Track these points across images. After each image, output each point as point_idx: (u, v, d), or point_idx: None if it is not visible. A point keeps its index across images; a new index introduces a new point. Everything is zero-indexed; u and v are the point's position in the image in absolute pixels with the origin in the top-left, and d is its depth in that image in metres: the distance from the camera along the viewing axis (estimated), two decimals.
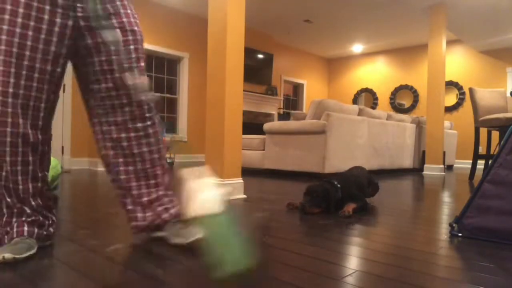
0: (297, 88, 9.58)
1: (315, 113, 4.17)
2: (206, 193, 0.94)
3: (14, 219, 1.17)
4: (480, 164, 7.14)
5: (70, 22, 1.16)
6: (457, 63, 8.03)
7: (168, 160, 5.08)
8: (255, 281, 0.97)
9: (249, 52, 7.33)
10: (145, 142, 1.28)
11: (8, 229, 1.16)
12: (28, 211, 1.18)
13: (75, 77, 1.31)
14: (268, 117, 8.02)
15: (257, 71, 7.70)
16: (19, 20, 1.08)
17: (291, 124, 4.18)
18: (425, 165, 5.36)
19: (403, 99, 8.83)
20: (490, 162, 1.80)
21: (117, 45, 1.20)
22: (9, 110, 1.09)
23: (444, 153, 5.35)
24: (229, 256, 0.87)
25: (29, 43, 1.09)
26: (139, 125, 1.26)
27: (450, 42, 7.95)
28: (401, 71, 8.84)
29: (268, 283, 0.95)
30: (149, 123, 1.28)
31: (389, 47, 8.79)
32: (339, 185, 2.03)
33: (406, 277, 1.01)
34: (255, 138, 4.62)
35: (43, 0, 1.10)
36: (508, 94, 6.63)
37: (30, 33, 1.09)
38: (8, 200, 1.16)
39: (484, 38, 7.14)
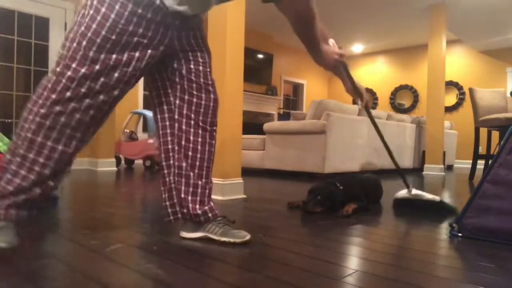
0: (297, 88, 9.58)
1: (315, 113, 4.17)
2: None
3: None
4: (480, 164, 7.12)
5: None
6: (457, 63, 8.03)
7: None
8: (255, 281, 0.97)
9: (249, 52, 7.33)
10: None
11: None
12: None
13: None
14: (268, 117, 8.02)
15: (257, 71, 7.70)
16: None
17: (291, 124, 4.18)
18: (425, 165, 5.36)
19: (403, 99, 8.83)
20: (490, 162, 1.80)
21: None
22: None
23: (444, 153, 5.35)
24: None
25: None
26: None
27: (450, 42, 7.94)
28: (401, 71, 8.84)
29: (268, 283, 0.95)
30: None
31: (389, 47, 8.78)
32: (341, 187, 2.03)
33: (406, 277, 1.01)
34: (255, 138, 4.62)
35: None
36: (508, 94, 6.63)
37: None
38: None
39: (484, 38, 7.14)
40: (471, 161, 7.62)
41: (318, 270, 1.06)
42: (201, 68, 1.38)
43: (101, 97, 1.16)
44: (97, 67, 1.12)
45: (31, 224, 1.55)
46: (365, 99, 1.90)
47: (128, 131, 5.19)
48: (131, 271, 1.02)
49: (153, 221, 1.67)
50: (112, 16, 1.10)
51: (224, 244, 1.30)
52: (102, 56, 1.11)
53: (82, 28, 1.11)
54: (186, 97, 1.36)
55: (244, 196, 2.50)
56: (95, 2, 1.11)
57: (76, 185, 3.00)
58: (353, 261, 1.15)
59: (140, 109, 6.15)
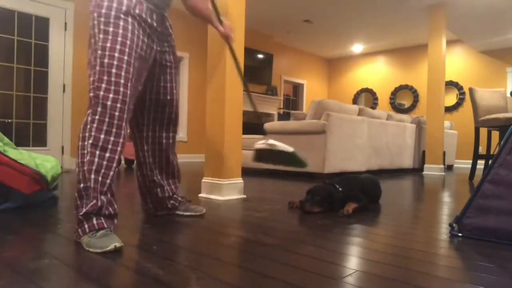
0: (297, 88, 9.58)
1: (315, 113, 4.16)
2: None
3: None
4: (480, 164, 7.14)
5: None
6: (457, 63, 8.03)
7: None
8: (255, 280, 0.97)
9: (249, 52, 7.33)
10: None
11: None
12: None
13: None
14: (268, 117, 8.02)
15: (257, 71, 7.70)
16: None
17: (291, 124, 4.18)
18: (425, 165, 5.36)
19: (403, 99, 8.83)
20: (490, 162, 1.80)
21: None
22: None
23: (444, 153, 5.35)
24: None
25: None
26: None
27: (450, 42, 7.95)
28: (401, 71, 8.84)
29: (268, 283, 0.95)
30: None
31: (389, 47, 8.79)
32: (340, 188, 2.03)
33: (406, 277, 1.02)
34: (255, 138, 4.62)
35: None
36: (508, 94, 6.63)
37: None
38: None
39: (484, 38, 7.14)
40: (471, 161, 7.63)
41: (318, 270, 1.06)
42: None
43: None
44: None
45: (31, 224, 1.55)
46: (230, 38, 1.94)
47: (128, 131, 5.18)
48: (131, 271, 1.02)
49: (153, 221, 1.67)
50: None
51: (188, 217, 1.77)
52: None
53: None
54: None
55: (244, 196, 2.50)
56: None
57: (76, 185, 3.00)
58: (353, 261, 1.15)
59: None
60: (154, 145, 1.73)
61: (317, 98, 9.66)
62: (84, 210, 1.28)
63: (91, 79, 1.36)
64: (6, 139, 2.14)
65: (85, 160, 1.32)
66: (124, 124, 1.38)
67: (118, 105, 1.35)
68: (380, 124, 4.83)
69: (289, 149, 1.97)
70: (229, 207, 2.08)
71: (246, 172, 4.54)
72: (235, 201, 2.31)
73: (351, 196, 2.03)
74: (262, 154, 2.06)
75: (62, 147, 5.06)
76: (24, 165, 1.87)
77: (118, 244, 1.19)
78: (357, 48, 8.93)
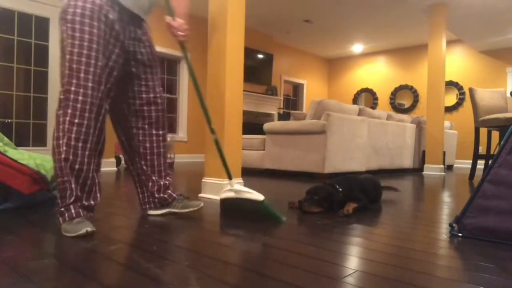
0: (297, 88, 9.58)
1: (315, 113, 4.16)
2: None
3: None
4: (480, 164, 7.14)
5: None
6: (457, 63, 8.04)
7: (169, 160, 5.09)
8: (255, 280, 0.97)
9: (249, 52, 7.33)
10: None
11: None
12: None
13: None
14: (268, 117, 8.02)
15: (257, 71, 7.70)
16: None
17: (291, 124, 4.18)
18: (425, 165, 5.36)
19: (403, 99, 8.83)
20: (490, 162, 1.80)
21: None
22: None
23: (444, 153, 5.35)
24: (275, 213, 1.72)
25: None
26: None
27: (450, 42, 7.95)
28: (401, 71, 8.84)
29: (268, 283, 0.95)
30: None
31: (389, 47, 8.79)
32: (340, 189, 2.02)
33: (406, 277, 1.01)
34: (255, 138, 4.62)
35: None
36: (508, 94, 6.63)
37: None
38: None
39: (484, 38, 7.14)
40: (471, 161, 7.63)
41: (318, 270, 1.06)
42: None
43: None
44: None
45: (31, 224, 1.55)
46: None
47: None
48: (131, 271, 1.02)
49: (153, 221, 1.67)
50: None
51: (188, 214, 1.80)
52: None
53: None
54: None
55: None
56: None
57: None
58: (353, 261, 1.15)
59: None
60: (135, 142, 1.76)
61: (317, 98, 9.66)
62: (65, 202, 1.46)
63: (63, 81, 1.46)
64: (6, 139, 2.14)
65: (62, 157, 1.44)
66: (92, 122, 1.47)
67: (87, 106, 1.45)
68: (380, 124, 4.83)
69: (259, 197, 1.70)
70: None
71: (246, 172, 4.54)
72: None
73: (351, 196, 2.03)
74: (227, 205, 1.83)
75: None
76: (24, 165, 1.87)
77: (89, 229, 1.36)
78: (357, 48, 8.94)
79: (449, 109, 7.99)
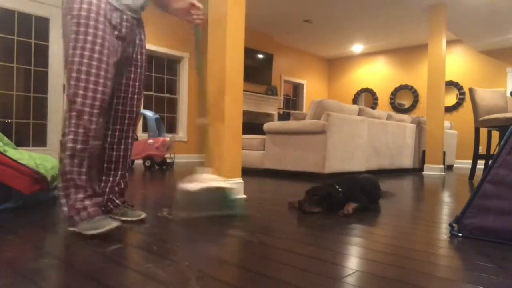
0: (297, 88, 9.58)
1: (315, 113, 4.16)
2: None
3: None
4: (480, 164, 7.13)
5: None
6: (457, 63, 8.03)
7: (168, 160, 5.09)
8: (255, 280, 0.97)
9: (249, 52, 7.33)
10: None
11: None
12: None
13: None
14: (268, 117, 8.02)
15: (257, 71, 7.70)
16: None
17: (291, 124, 4.18)
18: (425, 165, 5.36)
19: (403, 99, 8.83)
20: (490, 162, 1.80)
21: None
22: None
23: (444, 153, 5.35)
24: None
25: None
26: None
27: (450, 42, 7.94)
28: (401, 71, 8.84)
29: (268, 283, 0.95)
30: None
31: (389, 47, 8.78)
32: (340, 189, 2.02)
33: (406, 277, 1.02)
34: (255, 138, 4.62)
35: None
36: (508, 94, 6.63)
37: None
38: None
39: (484, 38, 7.14)
40: (471, 161, 7.62)
41: (318, 270, 1.06)
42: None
43: None
44: None
45: (31, 224, 1.55)
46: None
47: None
48: (131, 271, 1.02)
49: (153, 221, 1.67)
50: None
51: (126, 223, 1.62)
52: None
53: None
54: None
55: (244, 196, 2.50)
56: None
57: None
58: (353, 261, 1.15)
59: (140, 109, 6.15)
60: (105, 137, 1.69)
61: (317, 98, 9.66)
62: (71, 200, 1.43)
63: (70, 82, 1.44)
64: (6, 139, 2.14)
65: (68, 153, 1.42)
66: (100, 119, 1.47)
67: (97, 103, 1.46)
68: (380, 124, 4.83)
69: (228, 185, 1.64)
70: None
71: (246, 172, 4.54)
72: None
73: (351, 196, 2.03)
74: (185, 197, 1.67)
75: None
76: (24, 165, 1.87)
77: (116, 224, 1.38)
78: (357, 48, 8.93)
79: (449, 109, 7.99)
